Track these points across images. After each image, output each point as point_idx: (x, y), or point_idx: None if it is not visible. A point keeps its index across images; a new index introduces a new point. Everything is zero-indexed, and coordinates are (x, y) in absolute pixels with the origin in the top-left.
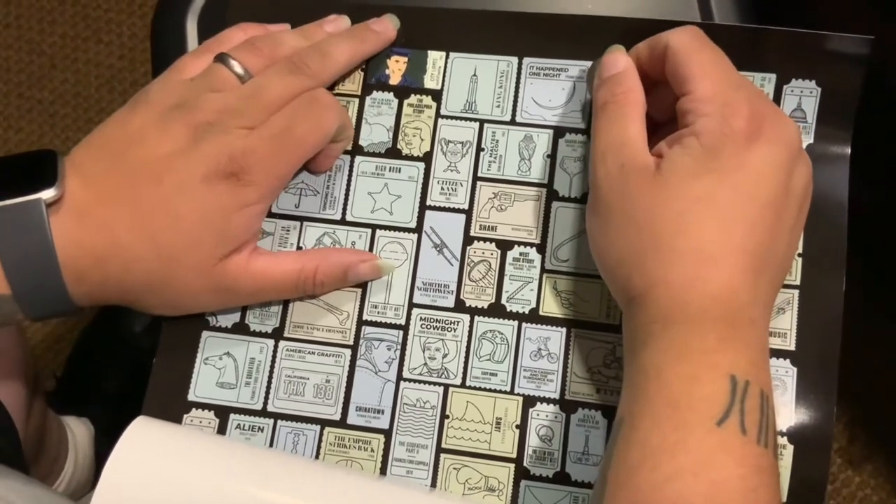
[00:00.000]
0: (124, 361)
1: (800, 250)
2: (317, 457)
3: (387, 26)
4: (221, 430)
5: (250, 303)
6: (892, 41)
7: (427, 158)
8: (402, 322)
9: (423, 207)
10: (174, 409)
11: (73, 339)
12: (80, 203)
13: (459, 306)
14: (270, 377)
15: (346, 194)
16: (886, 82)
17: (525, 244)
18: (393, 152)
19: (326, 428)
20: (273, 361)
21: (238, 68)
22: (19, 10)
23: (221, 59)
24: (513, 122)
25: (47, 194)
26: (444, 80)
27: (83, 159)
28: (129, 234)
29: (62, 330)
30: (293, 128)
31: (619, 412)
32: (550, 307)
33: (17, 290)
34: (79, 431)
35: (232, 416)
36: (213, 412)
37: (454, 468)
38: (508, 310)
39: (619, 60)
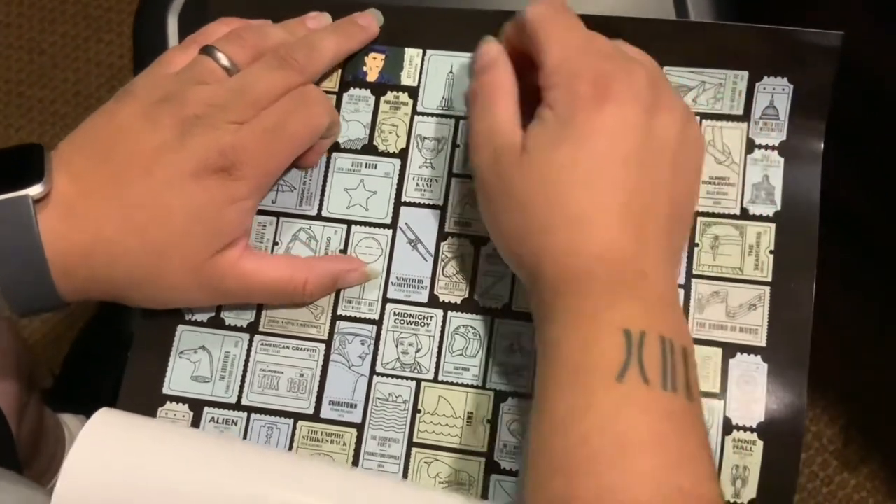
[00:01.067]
0: (122, 360)
1: (770, 247)
2: (289, 450)
3: (371, 21)
4: (195, 423)
5: (237, 302)
6: (888, 43)
7: (403, 155)
8: (376, 317)
9: (399, 203)
10: (149, 402)
11: (71, 337)
12: (67, 198)
13: (433, 301)
14: (245, 371)
15: (323, 190)
16: (884, 85)
17: None
18: (369, 148)
19: (300, 422)
20: (248, 356)
21: (224, 60)
22: (20, 9)
23: (207, 51)
24: None
25: (34, 190)
26: (420, 78)
27: (70, 154)
28: (117, 229)
29: (61, 329)
30: (284, 123)
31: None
32: (523, 303)
33: (4, 286)
34: (76, 429)
35: (206, 409)
36: (187, 405)
37: (425, 462)
38: (481, 305)
39: (488, 50)
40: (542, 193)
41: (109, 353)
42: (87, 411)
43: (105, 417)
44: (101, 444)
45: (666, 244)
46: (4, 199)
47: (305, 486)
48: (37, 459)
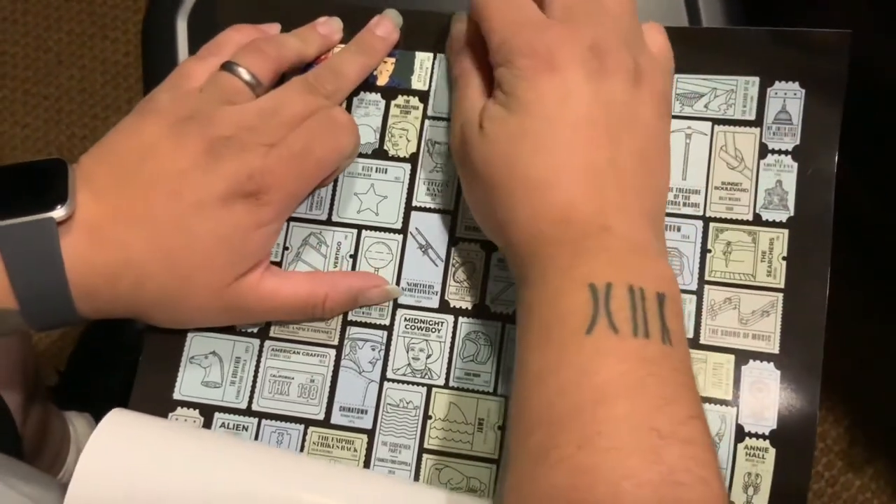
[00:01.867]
0: (127, 357)
1: (783, 253)
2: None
3: (390, 29)
4: (206, 428)
5: (258, 321)
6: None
7: (413, 159)
8: (387, 322)
9: (409, 208)
10: (159, 407)
11: (76, 335)
12: (91, 219)
13: (444, 307)
14: (255, 376)
15: (333, 195)
16: (887, 86)
17: None
18: (379, 153)
19: (310, 427)
20: (258, 361)
21: (246, 75)
22: (26, 7)
23: (228, 67)
24: None
25: (58, 213)
26: (431, 82)
27: (92, 170)
28: (143, 252)
29: (66, 327)
30: (312, 149)
31: None
32: None
33: (24, 307)
34: (81, 426)
35: (217, 414)
36: (197, 411)
37: (436, 468)
38: (492, 311)
39: (455, 33)
40: (500, 165)
41: (115, 352)
42: (92, 409)
43: (117, 417)
44: (113, 444)
45: (633, 198)
46: (28, 222)
47: (320, 486)
48: (42, 456)
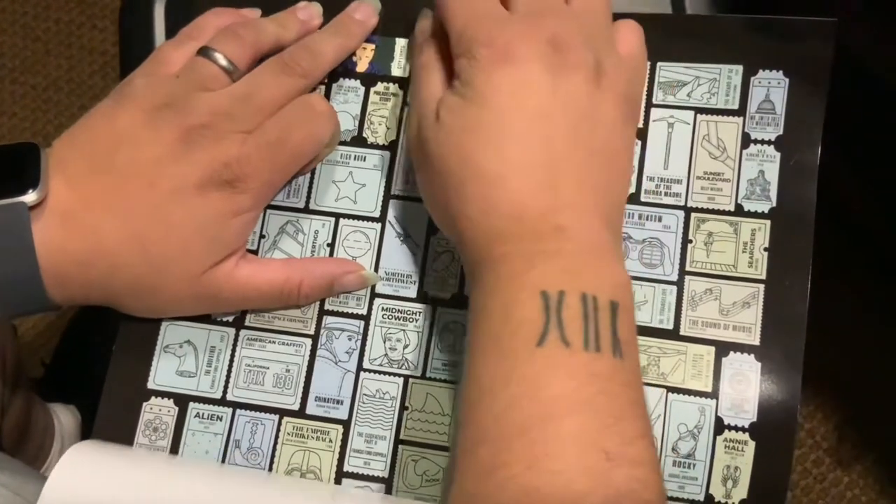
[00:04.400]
0: (112, 350)
1: (765, 244)
2: (275, 446)
3: (369, 13)
4: (180, 418)
5: (233, 309)
6: (884, 35)
7: (393, 147)
8: (364, 312)
9: (388, 197)
10: (134, 397)
11: (62, 327)
12: (64, 205)
13: (422, 297)
14: (230, 366)
15: (311, 182)
16: (886, 84)
17: None
18: (359, 140)
19: (285, 418)
20: (233, 350)
21: (223, 60)
22: None
23: (205, 52)
24: None
25: (30, 198)
26: (409, 67)
27: (66, 155)
28: (117, 240)
29: (51, 318)
30: (289, 137)
31: None
32: None
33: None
34: (65, 419)
35: (191, 404)
36: (172, 400)
37: (412, 459)
38: None
39: (417, 33)
40: (454, 156)
41: (101, 343)
42: (78, 401)
43: (80, 450)
44: (76, 479)
45: (589, 197)
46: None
47: None
48: (24, 449)
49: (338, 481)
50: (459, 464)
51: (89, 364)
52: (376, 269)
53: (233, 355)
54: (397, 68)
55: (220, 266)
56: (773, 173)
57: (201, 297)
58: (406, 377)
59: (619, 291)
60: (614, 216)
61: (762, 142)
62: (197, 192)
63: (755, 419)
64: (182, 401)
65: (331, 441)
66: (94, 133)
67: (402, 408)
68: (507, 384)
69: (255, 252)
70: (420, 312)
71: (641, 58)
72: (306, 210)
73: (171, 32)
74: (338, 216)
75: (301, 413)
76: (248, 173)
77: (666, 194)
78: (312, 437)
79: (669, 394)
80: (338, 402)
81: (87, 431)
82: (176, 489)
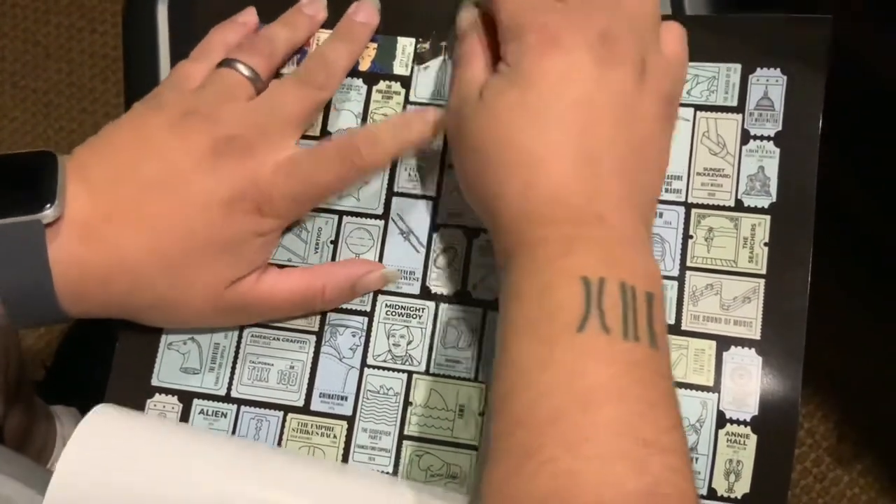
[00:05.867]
0: (114, 352)
1: (765, 239)
2: (279, 443)
3: (371, 14)
4: (185, 415)
5: (257, 321)
6: (882, 34)
7: None
8: (368, 309)
9: (391, 194)
10: (138, 393)
11: (64, 328)
12: (85, 218)
13: (425, 293)
14: (235, 363)
15: None
16: (885, 85)
17: None
18: None
19: (289, 414)
20: (237, 347)
21: (245, 70)
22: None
23: (227, 63)
24: None
25: (46, 217)
26: (413, 67)
27: (88, 163)
28: (140, 254)
29: None
30: (319, 177)
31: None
32: None
33: (8, 307)
34: (67, 421)
35: (195, 401)
36: (176, 397)
37: (416, 455)
38: (474, 297)
39: (462, 20)
40: (494, 136)
41: (102, 345)
42: (79, 403)
43: (100, 416)
44: (95, 443)
45: (627, 189)
46: (13, 223)
47: (298, 487)
48: (26, 450)
49: None
50: (494, 447)
51: (91, 366)
52: None
53: (237, 352)
54: (399, 66)
55: (243, 281)
56: (772, 169)
57: (224, 311)
58: (410, 373)
59: (653, 283)
60: (647, 211)
61: (761, 138)
62: (224, 210)
63: (757, 413)
64: (186, 397)
65: (335, 437)
66: (118, 142)
67: (406, 404)
68: (544, 369)
69: None
70: (423, 309)
71: (684, 61)
72: None
73: (174, 30)
74: (341, 213)
75: (305, 409)
76: (277, 200)
77: (666, 190)
78: (317, 434)
79: None
80: (342, 398)
81: None
82: (193, 465)
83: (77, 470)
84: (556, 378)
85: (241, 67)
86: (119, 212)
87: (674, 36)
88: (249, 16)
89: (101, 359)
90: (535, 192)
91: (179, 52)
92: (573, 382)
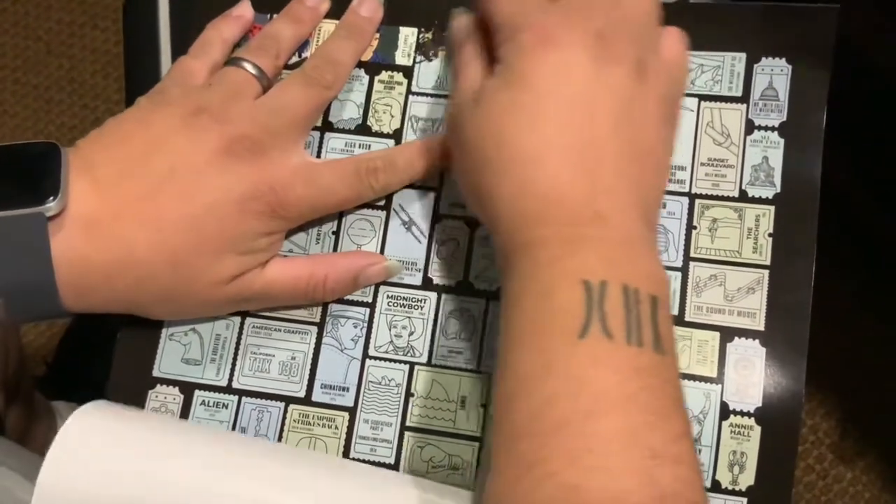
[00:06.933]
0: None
1: (769, 229)
2: (280, 434)
3: (374, 7)
4: (186, 406)
5: (260, 308)
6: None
7: (397, 135)
8: (370, 300)
9: None
10: (139, 385)
11: (65, 324)
12: (91, 212)
13: (427, 284)
14: (236, 354)
15: None
16: (887, 79)
17: None
18: (363, 129)
19: (291, 405)
20: (239, 338)
21: (252, 69)
22: None
23: (233, 62)
24: None
25: (50, 207)
26: (415, 57)
27: (93, 157)
28: (147, 252)
29: None
30: (337, 190)
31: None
32: None
33: (9, 302)
34: (69, 416)
35: (197, 392)
36: (177, 388)
37: (418, 446)
38: (476, 288)
39: (456, 24)
40: (491, 136)
41: (103, 341)
42: (80, 399)
43: (86, 415)
44: (83, 441)
45: (628, 188)
46: (15, 216)
47: (293, 484)
48: (26, 447)
49: None
50: (496, 457)
51: (92, 362)
52: None
53: (238, 343)
54: (401, 57)
55: (249, 273)
56: (777, 159)
57: (230, 301)
58: (412, 364)
59: (658, 286)
60: (650, 211)
61: (766, 128)
62: (236, 209)
63: (760, 404)
64: (188, 388)
65: (337, 428)
66: (126, 136)
67: (408, 394)
68: (546, 377)
69: None
70: (425, 300)
71: (684, 65)
72: None
73: (175, 26)
74: None
75: (307, 400)
76: (290, 204)
77: (670, 181)
78: (318, 424)
79: None
80: (343, 389)
81: None
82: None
83: (64, 466)
84: (559, 386)
85: (247, 66)
86: (126, 208)
87: (674, 40)
88: (244, 9)
89: (103, 355)
90: (530, 191)
91: (180, 48)
92: (577, 391)
